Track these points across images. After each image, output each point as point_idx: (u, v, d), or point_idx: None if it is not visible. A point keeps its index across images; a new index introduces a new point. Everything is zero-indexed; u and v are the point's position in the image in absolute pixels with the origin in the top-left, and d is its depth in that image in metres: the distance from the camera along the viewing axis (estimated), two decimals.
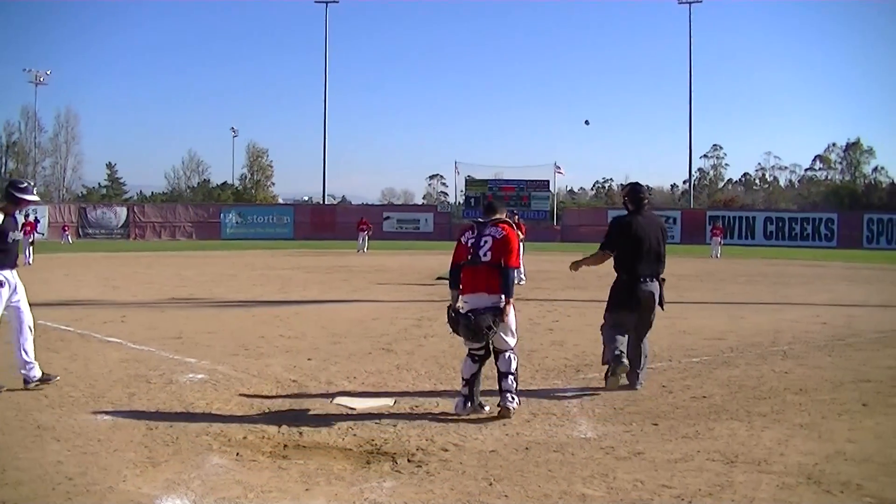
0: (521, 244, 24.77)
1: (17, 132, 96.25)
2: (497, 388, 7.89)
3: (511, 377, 7.77)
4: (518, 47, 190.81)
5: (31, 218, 39.81)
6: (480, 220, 8.22)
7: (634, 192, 9.38)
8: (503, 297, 7.75)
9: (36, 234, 34.49)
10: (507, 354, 7.82)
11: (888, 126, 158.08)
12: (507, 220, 8.28)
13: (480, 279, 7.84)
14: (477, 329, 7.62)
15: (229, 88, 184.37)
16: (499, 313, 7.63)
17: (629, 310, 9.00)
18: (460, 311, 7.87)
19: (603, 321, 9.24)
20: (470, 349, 7.87)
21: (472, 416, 7.75)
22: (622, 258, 9.09)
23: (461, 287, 8.06)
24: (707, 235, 61.07)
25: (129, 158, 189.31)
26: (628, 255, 9.02)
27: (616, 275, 9.18)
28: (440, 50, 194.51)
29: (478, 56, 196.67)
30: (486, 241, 7.87)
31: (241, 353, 10.91)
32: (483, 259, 7.82)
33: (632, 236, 9.00)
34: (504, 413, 7.68)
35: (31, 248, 33.32)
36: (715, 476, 5.93)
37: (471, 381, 7.80)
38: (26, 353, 8.73)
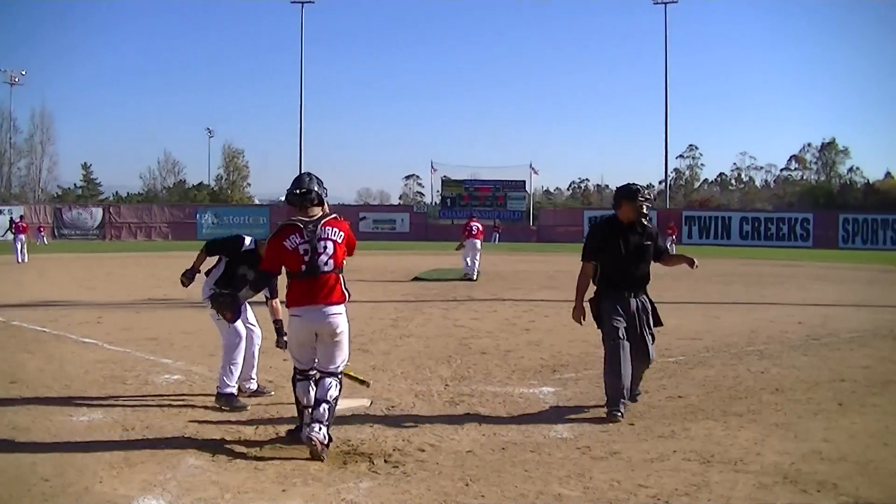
0: (480, 243, 26.07)
1: None
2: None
3: (325, 406, 6.57)
4: (494, 47, 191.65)
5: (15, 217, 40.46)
6: (304, 218, 6.82)
7: None
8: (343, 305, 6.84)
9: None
10: (328, 379, 6.71)
11: (863, 126, 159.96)
12: (335, 213, 7.08)
13: (317, 289, 6.67)
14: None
15: (205, 89, 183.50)
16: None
17: None
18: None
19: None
20: (301, 371, 6.83)
21: (445, 416, 7.77)
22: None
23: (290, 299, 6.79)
24: (683, 236, 61.53)
25: (105, 159, 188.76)
26: None
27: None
28: (416, 50, 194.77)
29: (454, 56, 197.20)
30: (325, 247, 6.73)
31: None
32: (324, 269, 6.68)
33: None
34: (313, 450, 6.39)
35: (25, 246, 35.32)
36: (691, 476, 5.95)
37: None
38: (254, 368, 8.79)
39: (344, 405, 8.04)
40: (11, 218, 39.90)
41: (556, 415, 7.90)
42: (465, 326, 14.18)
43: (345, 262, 6.89)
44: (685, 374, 9.89)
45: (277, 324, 8.21)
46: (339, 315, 6.68)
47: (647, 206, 8.10)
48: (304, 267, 6.62)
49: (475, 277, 25.72)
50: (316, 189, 6.88)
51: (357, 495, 5.56)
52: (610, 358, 7.82)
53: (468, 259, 26.11)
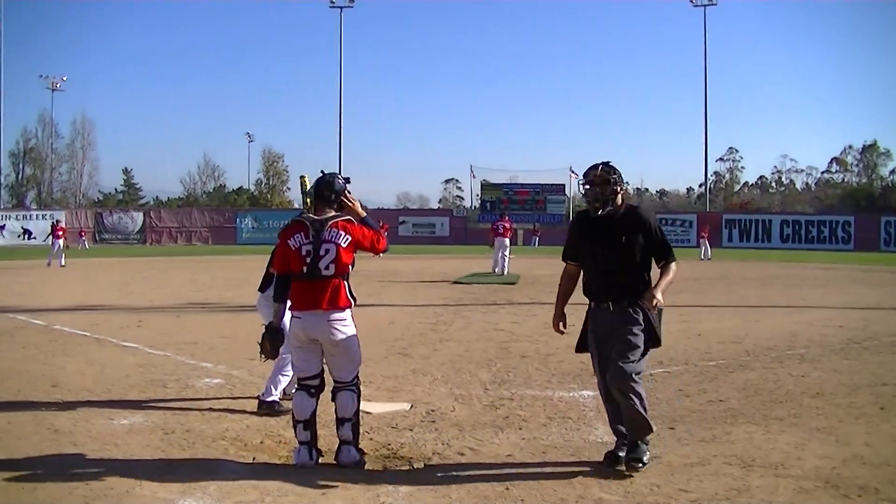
0: (508, 244, 28.03)
1: (35, 138, 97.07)
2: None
3: (349, 425, 6.42)
4: (533, 51, 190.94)
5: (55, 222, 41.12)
6: (314, 216, 6.57)
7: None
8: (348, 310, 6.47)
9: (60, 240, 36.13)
10: (344, 393, 6.48)
11: None
12: (347, 215, 6.57)
13: (318, 293, 6.34)
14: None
15: (244, 94, 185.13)
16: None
17: None
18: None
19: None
20: (301, 380, 6.59)
21: (485, 420, 7.75)
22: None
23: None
24: (723, 239, 61.12)
25: (145, 164, 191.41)
26: None
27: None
28: (455, 54, 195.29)
29: (493, 60, 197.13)
30: (327, 251, 6.36)
31: (257, 358, 10.87)
32: (324, 273, 6.36)
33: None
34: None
35: (63, 251, 36.23)
36: (732, 480, 5.90)
37: (311, 422, 6.45)
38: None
39: (384, 409, 8.09)
40: (53, 223, 40.48)
41: (596, 419, 7.85)
42: (505, 330, 14.16)
43: (351, 266, 6.49)
44: (725, 378, 9.81)
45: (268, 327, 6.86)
46: (340, 321, 6.37)
47: (597, 190, 6.39)
48: (304, 269, 6.35)
49: (503, 273, 27.50)
50: (314, 189, 6.67)
51: (396, 499, 5.56)
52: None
53: (497, 257, 27.93)
